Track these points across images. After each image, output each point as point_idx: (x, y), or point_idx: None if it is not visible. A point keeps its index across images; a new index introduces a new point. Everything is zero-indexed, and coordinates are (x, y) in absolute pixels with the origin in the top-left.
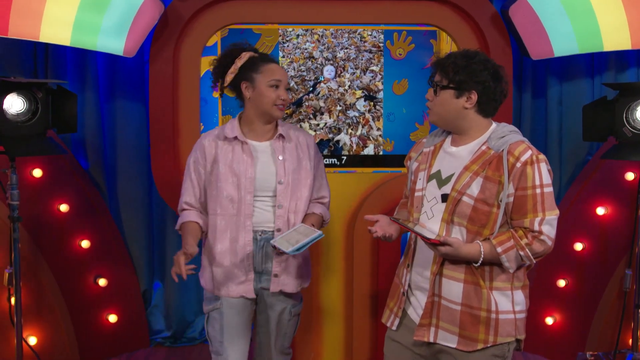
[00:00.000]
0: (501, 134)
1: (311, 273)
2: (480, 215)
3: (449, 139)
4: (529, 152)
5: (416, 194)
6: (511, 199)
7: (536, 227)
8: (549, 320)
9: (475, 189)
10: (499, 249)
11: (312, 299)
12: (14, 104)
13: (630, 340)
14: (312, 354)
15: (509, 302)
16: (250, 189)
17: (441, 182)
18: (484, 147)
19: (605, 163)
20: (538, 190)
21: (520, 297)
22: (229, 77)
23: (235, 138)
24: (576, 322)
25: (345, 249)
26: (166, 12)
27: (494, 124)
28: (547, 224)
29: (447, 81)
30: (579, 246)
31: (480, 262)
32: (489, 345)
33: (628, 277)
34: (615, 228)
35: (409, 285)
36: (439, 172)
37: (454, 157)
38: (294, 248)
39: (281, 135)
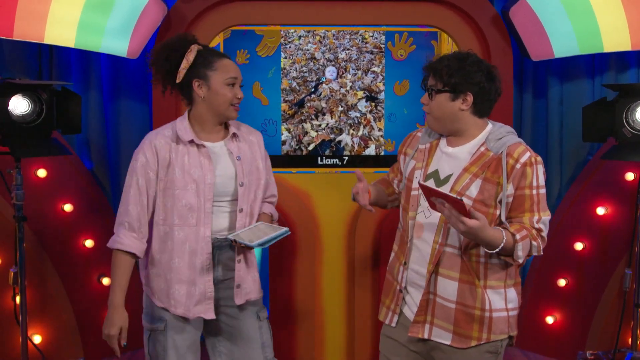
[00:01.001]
0: (499, 136)
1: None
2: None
3: (444, 138)
4: (528, 154)
5: (412, 192)
6: (510, 199)
7: (535, 225)
8: (549, 320)
9: (474, 190)
10: (518, 236)
11: (313, 300)
12: (19, 105)
13: (630, 340)
14: (313, 353)
15: (502, 300)
16: (209, 196)
17: (439, 182)
18: (482, 149)
19: (605, 163)
20: (535, 191)
21: (512, 294)
22: (181, 74)
23: (191, 141)
24: (576, 322)
25: (346, 249)
26: (169, 13)
27: (490, 124)
28: (542, 223)
29: (442, 84)
30: (579, 246)
31: (499, 248)
32: (482, 342)
33: (628, 276)
34: (615, 228)
35: (405, 283)
36: (436, 171)
37: (452, 157)
38: (259, 242)
39: (235, 135)
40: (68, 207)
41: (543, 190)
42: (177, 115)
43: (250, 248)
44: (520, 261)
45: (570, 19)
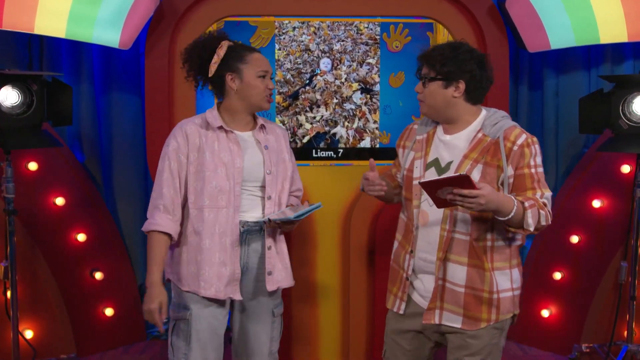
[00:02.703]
0: (494, 121)
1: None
2: None
3: (440, 127)
4: (524, 136)
5: (414, 182)
6: (511, 180)
7: (539, 200)
8: (545, 313)
9: (476, 175)
10: (526, 204)
11: (308, 291)
12: (9, 96)
13: (626, 332)
14: (308, 347)
15: (508, 280)
16: (238, 179)
17: (440, 170)
18: (479, 135)
19: (601, 155)
20: (533, 170)
21: (516, 274)
22: (213, 67)
23: (220, 127)
24: (572, 315)
25: (341, 241)
26: (162, 4)
27: (484, 110)
28: (546, 199)
29: (435, 73)
30: (574, 239)
31: (512, 213)
32: (491, 323)
33: (623, 269)
34: (611, 220)
35: (413, 270)
36: (436, 160)
37: (450, 145)
38: (297, 214)
39: (263, 126)
40: (60, 201)
41: (541, 169)
42: (170, 108)
43: (288, 223)
44: (532, 229)
45: (567, 10)
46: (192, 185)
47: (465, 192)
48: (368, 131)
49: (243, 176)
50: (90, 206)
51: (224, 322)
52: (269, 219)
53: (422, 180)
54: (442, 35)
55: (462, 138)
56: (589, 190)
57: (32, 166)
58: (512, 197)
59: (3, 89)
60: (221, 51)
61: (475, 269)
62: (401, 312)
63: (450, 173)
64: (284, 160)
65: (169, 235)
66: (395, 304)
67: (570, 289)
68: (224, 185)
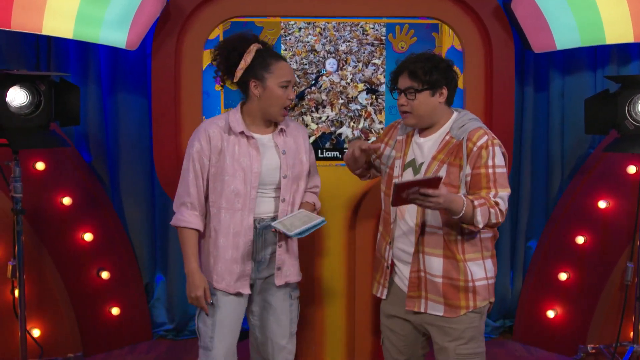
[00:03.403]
0: (461, 123)
1: (312, 263)
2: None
3: (417, 130)
4: (485, 137)
5: (394, 180)
6: (469, 178)
7: (492, 199)
8: (551, 314)
9: (443, 174)
10: (476, 202)
11: (314, 291)
12: (17, 96)
13: (632, 333)
14: (313, 347)
15: (482, 270)
16: (255, 184)
17: (416, 170)
18: (447, 137)
19: (607, 156)
20: (490, 170)
21: (489, 265)
22: (238, 73)
23: (242, 132)
24: (577, 315)
25: (346, 240)
26: (168, 4)
27: (455, 112)
28: (499, 198)
29: (422, 84)
30: (580, 239)
31: (462, 212)
32: (470, 310)
33: (629, 270)
34: (616, 221)
35: (392, 259)
36: (413, 160)
37: (423, 147)
38: (297, 231)
39: (282, 130)
40: (67, 200)
41: (501, 170)
42: (176, 108)
43: (288, 237)
44: (480, 226)
45: (573, 10)
46: (212, 186)
47: (430, 192)
48: (374, 131)
49: (260, 180)
50: (97, 206)
51: (242, 310)
52: (274, 228)
53: (398, 181)
54: (448, 36)
55: (432, 140)
56: (595, 190)
57: (40, 166)
58: (463, 197)
59: (11, 89)
60: (249, 57)
61: (449, 260)
62: (384, 297)
63: (421, 173)
64: (301, 161)
65: (198, 233)
66: (378, 290)
67: (575, 289)
68: (241, 189)
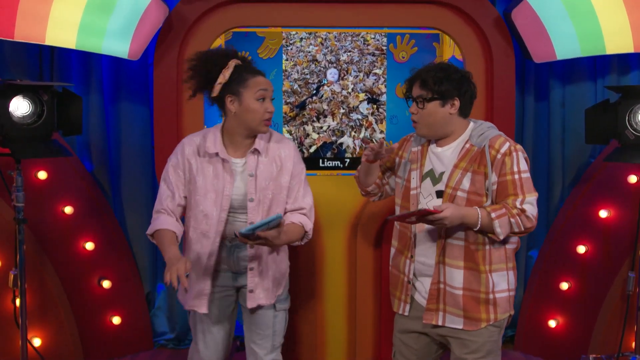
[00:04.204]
0: (480, 131)
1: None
2: (474, 205)
3: (432, 140)
4: (507, 144)
5: (411, 192)
6: (495, 187)
7: (518, 206)
8: (552, 323)
9: (466, 183)
10: (493, 215)
11: (315, 299)
12: (20, 106)
13: (634, 343)
14: (315, 352)
15: (505, 281)
16: (226, 207)
17: (435, 180)
18: (467, 145)
19: (607, 165)
20: (517, 176)
21: (512, 276)
22: (216, 89)
23: (217, 154)
24: (579, 325)
25: (348, 250)
26: (171, 15)
27: (472, 122)
28: (528, 203)
29: (431, 93)
30: (581, 249)
31: (478, 226)
32: (491, 322)
33: (631, 279)
34: (618, 230)
35: (414, 274)
36: (431, 170)
37: (441, 156)
38: (247, 228)
39: (256, 150)
40: (68, 210)
41: (526, 175)
42: (178, 118)
43: (245, 238)
44: (501, 237)
45: (573, 20)
46: (187, 202)
47: (430, 217)
48: (375, 141)
49: (231, 203)
50: (99, 215)
51: (231, 304)
52: (234, 233)
53: (390, 217)
54: (448, 46)
55: (451, 149)
56: (595, 200)
57: (42, 175)
58: (477, 210)
59: (14, 99)
60: (227, 73)
61: (471, 272)
62: (406, 313)
63: (443, 182)
64: (278, 184)
65: (174, 234)
66: (400, 306)
67: (577, 299)
68: (210, 211)
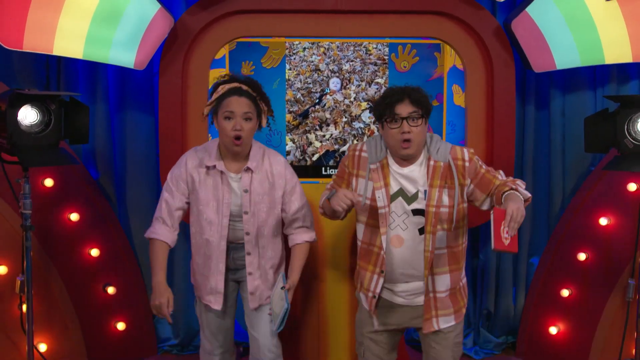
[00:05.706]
0: (436, 147)
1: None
2: (459, 214)
3: (390, 158)
4: (465, 151)
5: (380, 211)
6: (472, 186)
7: (504, 178)
8: (553, 330)
9: (445, 199)
10: (513, 186)
11: (318, 304)
12: (28, 115)
13: (634, 350)
14: (318, 356)
15: (464, 272)
16: (226, 213)
17: (409, 200)
18: (432, 163)
19: (607, 174)
20: (484, 168)
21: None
22: (206, 110)
23: (214, 167)
24: (580, 332)
25: (350, 259)
26: (176, 25)
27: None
28: (503, 174)
29: (421, 110)
30: (582, 256)
31: (524, 198)
32: (465, 305)
33: (631, 287)
34: (618, 238)
35: (381, 289)
36: (401, 190)
37: (410, 177)
38: (278, 324)
39: (249, 169)
40: (74, 217)
41: (485, 165)
42: (182, 127)
43: (284, 318)
44: (530, 195)
45: (572, 31)
46: (191, 211)
47: (514, 224)
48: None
49: (231, 211)
50: (104, 222)
51: (226, 317)
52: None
53: (494, 248)
54: (449, 56)
55: (418, 168)
56: (596, 208)
57: (48, 182)
58: (514, 192)
59: (22, 108)
60: (215, 96)
61: (455, 272)
62: (374, 327)
63: (420, 200)
64: (272, 199)
65: (167, 245)
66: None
67: (578, 306)
68: (213, 218)
